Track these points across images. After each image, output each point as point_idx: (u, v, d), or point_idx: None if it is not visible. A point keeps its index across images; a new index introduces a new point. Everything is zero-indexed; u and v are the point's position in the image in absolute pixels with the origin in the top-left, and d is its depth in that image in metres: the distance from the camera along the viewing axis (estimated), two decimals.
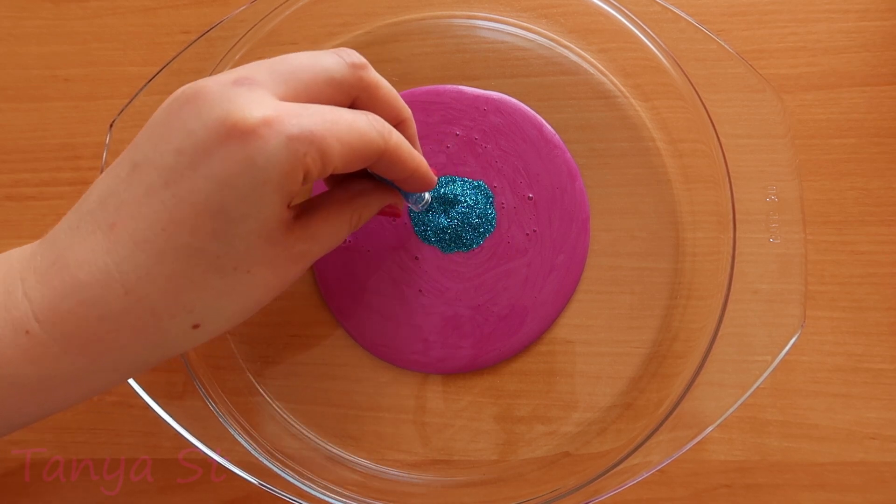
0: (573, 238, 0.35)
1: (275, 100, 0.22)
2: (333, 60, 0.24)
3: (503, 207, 0.36)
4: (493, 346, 0.35)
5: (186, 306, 0.22)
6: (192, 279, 0.22)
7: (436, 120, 0.36)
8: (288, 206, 0.23)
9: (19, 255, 0.24)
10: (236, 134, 0.20)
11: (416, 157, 0.27)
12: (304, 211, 0.26)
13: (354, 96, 0.25)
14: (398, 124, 0.27)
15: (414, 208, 0.34)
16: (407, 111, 0.28)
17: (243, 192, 0.21)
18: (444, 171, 0.36)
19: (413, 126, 0.28)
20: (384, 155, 0.24)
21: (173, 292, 0.22)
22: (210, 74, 0.35)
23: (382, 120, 0.25)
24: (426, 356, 0.35)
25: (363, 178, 0.28)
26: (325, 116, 0.22)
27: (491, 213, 0.35)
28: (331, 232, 0.26)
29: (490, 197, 0.36)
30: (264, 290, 0.24)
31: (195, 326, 0.23)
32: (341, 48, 0.25)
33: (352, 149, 0.23)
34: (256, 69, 0.23)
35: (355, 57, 0.25)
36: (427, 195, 0.33)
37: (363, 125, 0.23)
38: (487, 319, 0.35)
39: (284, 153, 0.21)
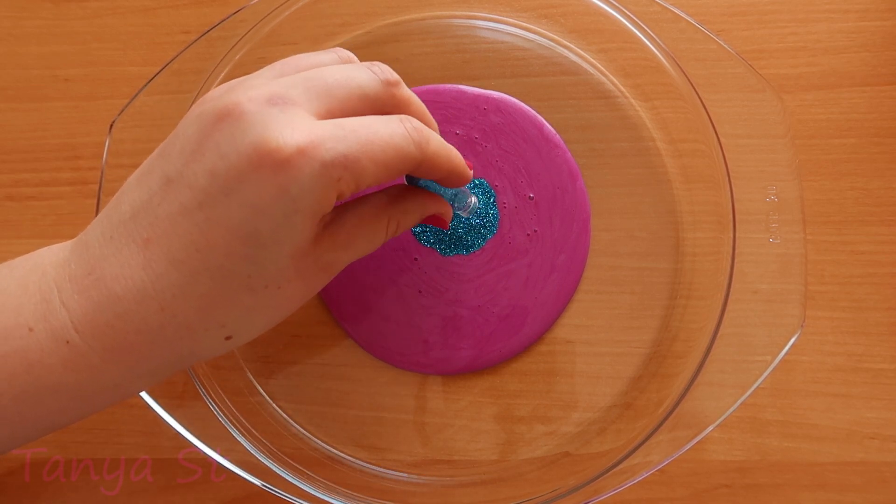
0: (574, 238, 0.35)
1: (310, 120, 0.22)
2: (367, 77, 0.24)
3: (504, 207, 0.36)
4: (493, 347, 0.35)
5: (219, 321, 0.23)
6: (225, 297, 0.22)
7: (436, 119, 0.36)
8: (319, 222, 0.23)
9: (52, 260, 0.24)
10: (269, 163, 0.20)
11: (452, 156, 0.26)
12: (336, 218, 0.25)
13: (386, 112, 0.25)
14: None
15: (462, 214, 0.34)
16: (434, 125, 0.28)
17: (276, 220, 0.21)
18: None
19: (438, 135, 0.28)
20: (422, 164, 0.24)
21: (207, 309, 0.22)
22: (210, 75, 0.35)
23: (419, 124, 0.24)
24: (426, 357, 0.35)
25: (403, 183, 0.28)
26: (360, 137, 0.22)
27: (493, 214, 0.35)
28: (365, 240, 0.26)
29: (491, 196, 0.36)
30: (293, 301, 0.25)
31: (227, 338, 0.24)
32: (374, 63, 0.25)
33: (387, 167, 0.23)
34: (292, 86, 0.22)
35: (388, 73, 0.24)
36: (473, 199, 0.33)
37: (399, 140, 0.23)
38: (488, 320, 0.35)
39: (318, 181, 0.21)
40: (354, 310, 0.35)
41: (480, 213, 0.35)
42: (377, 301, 0.35)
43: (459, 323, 0.35)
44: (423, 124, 0.25)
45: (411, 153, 0.23)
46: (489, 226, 0.35)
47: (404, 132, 0.23)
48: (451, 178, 0.27)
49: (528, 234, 0.35)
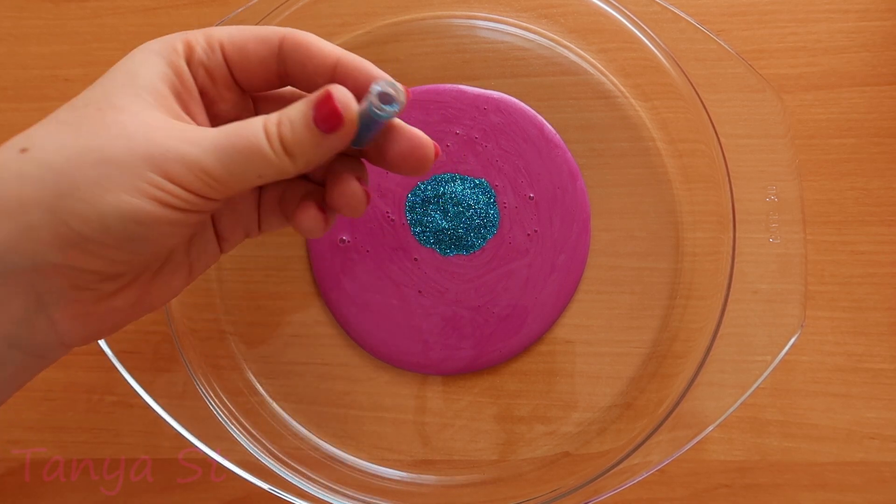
0: (574, 238, 0.35)
1: None
2: None
3: (505, 207, 0.36)
4: (493, 348, 0.35)
5: (26, 134, 0.21)
6: (48, 114, 0.22)
7: (435, 119, 0.36)
8: (178, 79, 0.23)
9: None
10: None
11: (339, 54, 0.24)
12: (223, 131, 0.22)
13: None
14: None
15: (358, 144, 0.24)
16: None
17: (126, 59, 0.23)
18: (443, 169, 0.36)
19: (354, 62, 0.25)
20: (285, 40, 0.23)
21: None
22: None
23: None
24: (426, 357, 0.35)
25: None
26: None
27: (493, 214, 0.35)
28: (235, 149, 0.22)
29: (492, 196, 0.36)
30: (115, 136, 0.21)
31: (23, 150, 0.21)
32: None
33: (242, 35, 0.23)
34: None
35: None
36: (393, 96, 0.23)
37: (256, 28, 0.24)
38: (488, 321, 0.35)
39: (160, 41, 0.23)
40: (354, 310, 0.35)
41: (480, 213, 0.35)
42: (377, 301, 0.35)
43: (459, 323, 0.35)
44: None
45: (271, 30, 0.24)
46: (489, 226, 0.35)
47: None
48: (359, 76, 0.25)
49: (529, 235, 0.35)
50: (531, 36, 0.37)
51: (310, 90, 0.24)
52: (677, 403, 0.32)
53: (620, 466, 0.31)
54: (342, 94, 0.22)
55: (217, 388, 0.34)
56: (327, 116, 0.22)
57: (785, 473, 0.34)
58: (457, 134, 0.36)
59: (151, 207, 0.20)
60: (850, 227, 0.35)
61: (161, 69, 0.23)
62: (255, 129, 0.21)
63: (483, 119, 0.36)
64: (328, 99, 0.21)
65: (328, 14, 0.37)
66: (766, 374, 0.31)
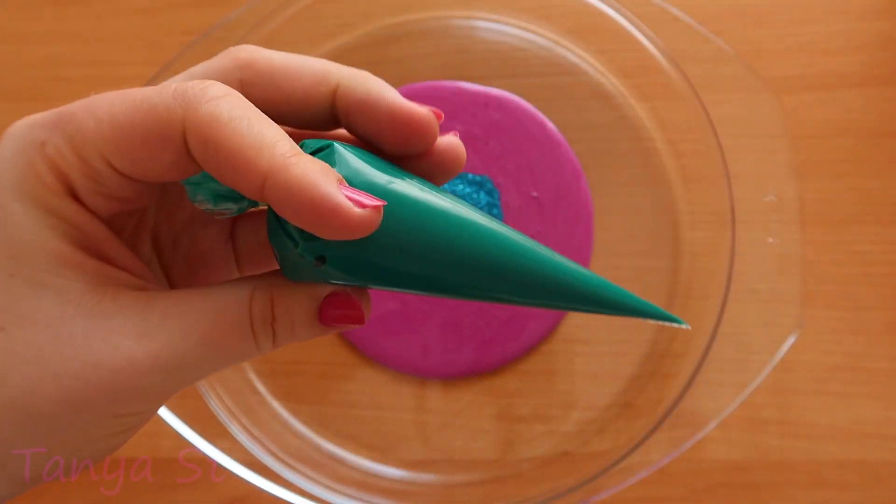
0: (578, 239, 0.35)
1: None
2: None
3: (508, 207, 0.35)
4: (494, 351, 0.35)
5: None
6: None
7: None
8: (69, 238, 0.16)
9: None
10: None
11: (284, 158, 0.15)
12: (192, 329, 0.16)
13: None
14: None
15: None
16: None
17: None
18: None
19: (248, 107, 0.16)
20: (193, 137, 0.15)
21: None
22: None
23: (209, 81, 0.15)
24: (426, 361, 0.35)
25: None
26: (87, 101, 0.16)
27: (496, 214, 0.35)
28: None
29: (495, 194, 0.35)
30: (38, 381, 0.15)
31: None
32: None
33: (117, 124, 0.15)
34: None
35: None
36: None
37: (150, 93, 0.15)
38: (489, 324, 0.35)
39: (16, 144, 0.15)
40: None
41: (483, 213, 0.35)
42: (375, 305, 0.35)
43: (460, 327, 0.35)
44: (211, 82, 0.15)
45: (165, 106, 0.15)
46: None
47: (163, 90, 0.15)
48: (302, 213, 0.15)
49: (532, 236, 0.35)
50: (531, 36, 0.37)
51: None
52: (676, 403, 0.32)
53: (620, 465, 0.31)
54: (360, 296, 0.17)
55: (217, 388, 0.34)
56: (345, 319, 0.17)
57: (783, 472, 0.34)
58: (456, 131, 0.36)
59: (126, 437, 0.17)
60: (849, 226, 0.35)
61: (49, 220, 0.15)
62: (242, 329, 0.16)
63: (483, 116, 0.36)
64: (348, 305, 0.17)
65: (328, 14, 0.37)
66: (764, 373, 0.31)
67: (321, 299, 0.17)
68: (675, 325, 0.19)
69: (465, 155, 0.20)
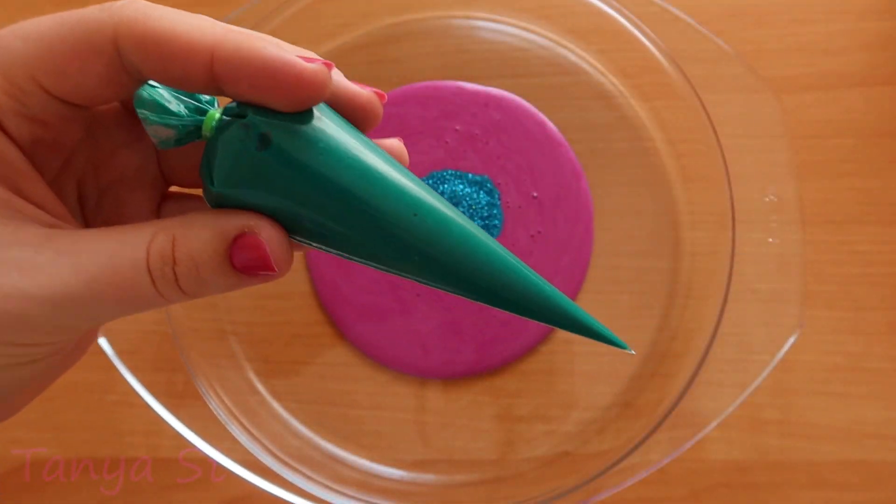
0: (578, 239, 0.35)
1: None
2: None
3: (508, 207, 0.35)
4: (494, 352, 0.35)
5: None
6: None
7: (434, 115, 0.36)
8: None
9: None
10: None
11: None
12: (82, 267, 0.15)
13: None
14: None
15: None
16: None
17: None
18: (442, 166, 0.36)
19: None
20: (126, 34, 0.15)
21: None
22: None
23: None
24: (426, 361, 0.35)
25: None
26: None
27: (497, 214, 0.35)
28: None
29: (495, 193, 0.35)
30: None
31: None
32: None
33: (49, 42, 0.15)
34: None
35: None
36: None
37: (75, 10, 0.15)
38: (489, 324, 0.35)
39: None
40: (353, 314, 0.35)
41: (483, 213, 0.35)
42: (375, 305, 0.35)
43: (459, 328, 0.35)
44: None
45: (93, 17, 0.15)
46: (492, 227, 0.35)
47: (88, 8, 0.15)
48: (254, 77, 0.15)
49: (532, 236, 0.35)
50: (531, 36, 0.37)
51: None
52: (677, 403, 0.32)
53: (620, 465, 0.31)
54: (273, 239, 0.16)
55: (217, 388, 0.34)
56: (254, 265, 0.16)
57: (784, 472, 0.34)
58: (456, 130, 0.36)
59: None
60: (849, 226, 0.35)
61: None
62: (136, 270, 0.15)
63: (483, 115, 0.36)
64: (255, 246, 0.16)
65: (328, 14, 0.37)
66: (765, 373, 0.31)
67: (230, 239, 0.16)
68: (620, 348, 0.19)
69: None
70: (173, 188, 0.21)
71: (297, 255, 0.36)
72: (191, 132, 0.17)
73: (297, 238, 0.17)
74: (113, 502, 0.36)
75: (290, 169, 0.16)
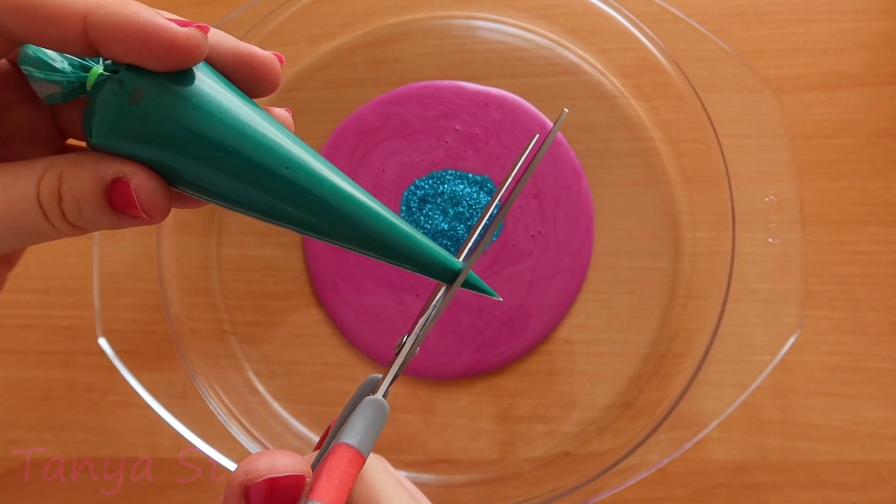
0: (578, 239, 0.35)
1: None
2: None
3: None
4: (494, 352, 0.35)
5: None
6: None
7: (433, 114, 0.36)
8: None
9: None
10: None
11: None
12: None
13: None
14: None
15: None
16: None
17: None
18: (442, 166, 0.36)
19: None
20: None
21: None
22: None
23: None
24: (426, 362, 0.35)
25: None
26: None
27: (496, 214, 0.35)
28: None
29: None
30: None
31: None
32: None
33: None
34: None
35: None
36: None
37: None
38: (489, 325, 0.35)
39: None
40: (353, 314, 0.35)
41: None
42: (374, 304, 0.35)
43: (460, 328, 0.35)
44: None
45: None
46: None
47: None
48: (128, 40, 0.16)
49: (533, 236, 0.35)
50: (531, 36, 0.37)
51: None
52: (677, 403, 0.32)
53: (620, 466, 0.31)
54: (143, 187, 0.17)
55: (217, 388, 0.34)
56: (125, 205, 0.17)
57: (784, 473, 0.34)
58: (456, 130, 0.36)
59: None
60: (849, 226, 0.35)
61: None
62: (27, 203, 0.16)
63: (483, 115, 0.36)
64: (123, 187, 0.17)
65: (328, 14, 0.37)
66: (765, 373, 0.31)
67: (107, 182, 0.17)
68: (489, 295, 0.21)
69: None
70: (71, 141, 0.22)
71: (299, 256, 0.36)
72: (76, 88, 0.18)
73: (182, 188, 0.18)
74: (113, 502, 0.36)
75: (161, 123, 0.17)
